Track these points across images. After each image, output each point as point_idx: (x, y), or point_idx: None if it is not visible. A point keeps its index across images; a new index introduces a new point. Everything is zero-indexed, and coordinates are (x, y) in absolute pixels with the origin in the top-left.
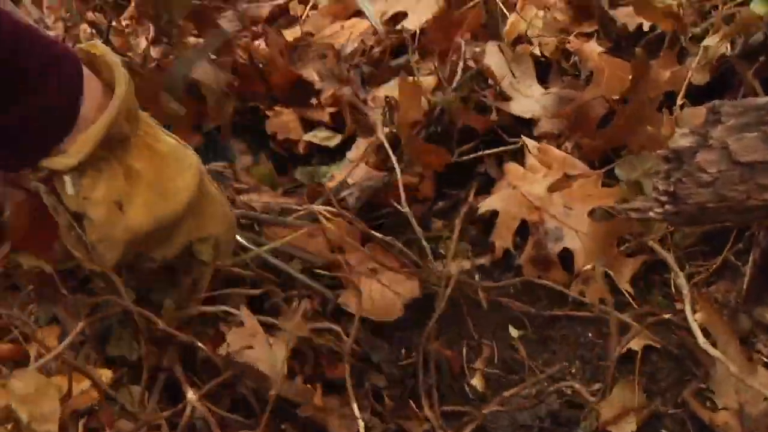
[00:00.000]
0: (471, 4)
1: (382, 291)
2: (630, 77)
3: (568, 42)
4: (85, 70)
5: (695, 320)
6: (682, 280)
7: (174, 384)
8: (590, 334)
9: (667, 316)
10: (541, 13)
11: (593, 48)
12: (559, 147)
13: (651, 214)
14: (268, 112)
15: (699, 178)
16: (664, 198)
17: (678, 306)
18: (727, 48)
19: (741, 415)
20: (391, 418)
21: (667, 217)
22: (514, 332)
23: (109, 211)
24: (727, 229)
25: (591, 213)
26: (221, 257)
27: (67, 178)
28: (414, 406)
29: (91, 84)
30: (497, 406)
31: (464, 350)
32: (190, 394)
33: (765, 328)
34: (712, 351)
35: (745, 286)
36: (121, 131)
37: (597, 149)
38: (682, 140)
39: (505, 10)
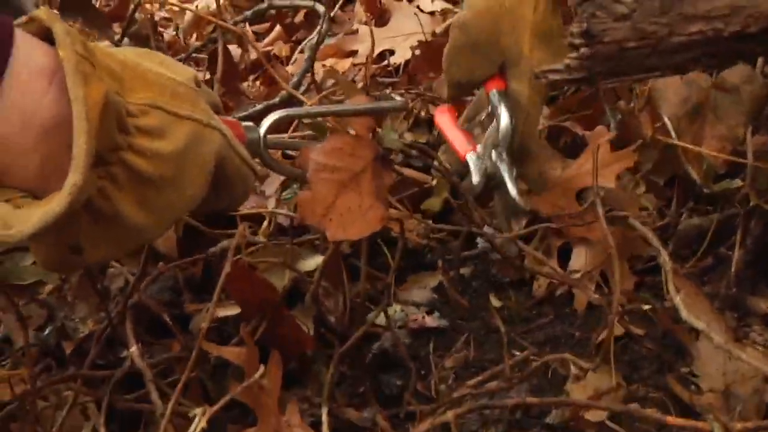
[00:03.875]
0: None
1: None
2: None
3: None
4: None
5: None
6: (664, 257)
7: None
8: (574, 332)
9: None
10: None
11: None
12: None
13: (566, 61)
14: None
15: (614, 9)
16: (578, 41)
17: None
18: None
19: (727, 396)
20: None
21: (584, 63)
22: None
23: None
24: (722, 228)
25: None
26: None
27: None
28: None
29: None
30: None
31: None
32: (133, 348)
33: (759, 318)
34: (696, 323)
35: (733, 272)
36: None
37: None
38: None
39: None
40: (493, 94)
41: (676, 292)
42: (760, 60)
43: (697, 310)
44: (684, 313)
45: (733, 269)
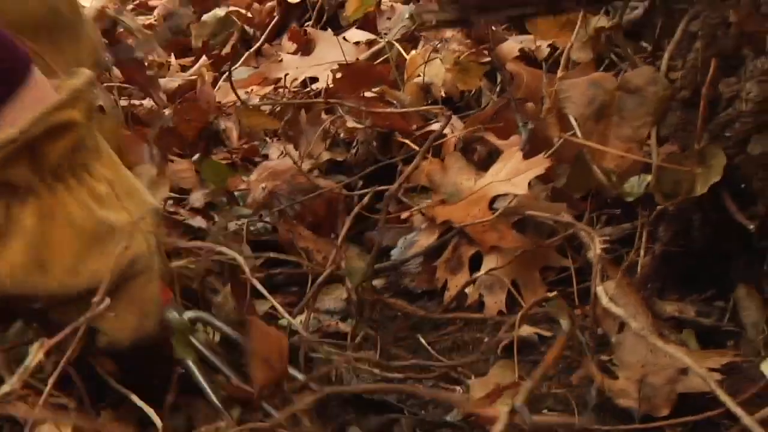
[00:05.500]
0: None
1: None
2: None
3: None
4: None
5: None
6: (595, 243)
7: None
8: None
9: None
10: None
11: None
12: None
13: None
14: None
15: None
16: None
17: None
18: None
19: (642, 384)
20: None
21: None
22: None
23: None
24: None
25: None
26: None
27: None
28: None
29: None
30: None
31: None
32: None
33: (665, 321)
34: (615, 310)
35: (639, 277)
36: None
37: None
38: None
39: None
40: None
41: (599, 283)
42: (663, 61)
43: (623, 298)
44: (605, 300)
45: (638, 273)
